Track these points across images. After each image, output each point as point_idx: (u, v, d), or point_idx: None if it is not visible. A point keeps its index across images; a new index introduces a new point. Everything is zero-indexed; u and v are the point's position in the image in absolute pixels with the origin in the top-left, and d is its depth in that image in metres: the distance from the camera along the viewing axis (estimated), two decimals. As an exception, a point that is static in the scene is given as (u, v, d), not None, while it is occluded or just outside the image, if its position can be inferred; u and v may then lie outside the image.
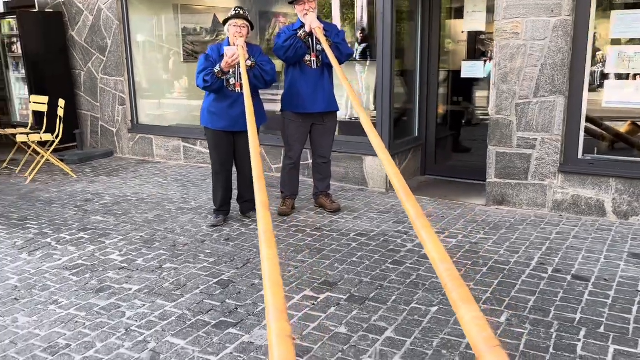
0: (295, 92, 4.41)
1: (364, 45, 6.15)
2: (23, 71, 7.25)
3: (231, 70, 4.10)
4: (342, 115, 5.92)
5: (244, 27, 4.14)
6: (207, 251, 3.88)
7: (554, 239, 3.97)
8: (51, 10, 7.38)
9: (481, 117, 5.88)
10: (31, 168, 6.19)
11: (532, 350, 2.54)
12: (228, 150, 4.33)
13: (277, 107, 4.70)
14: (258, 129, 4.38)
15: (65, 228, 4.44)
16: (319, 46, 4.30)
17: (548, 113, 4.46)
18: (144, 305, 3.08)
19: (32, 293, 3.27)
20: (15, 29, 7.17)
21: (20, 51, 7.16)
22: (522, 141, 4.59)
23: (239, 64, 3.99)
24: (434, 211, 4.69)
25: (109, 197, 5.35)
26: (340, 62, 4.23)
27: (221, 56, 4.07)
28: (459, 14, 5.75)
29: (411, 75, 5.82)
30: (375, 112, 5.40)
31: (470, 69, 5.51)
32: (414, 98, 5.82)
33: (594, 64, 4.49)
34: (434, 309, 2.96)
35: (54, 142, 6.19)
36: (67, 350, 2.64)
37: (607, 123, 4.81)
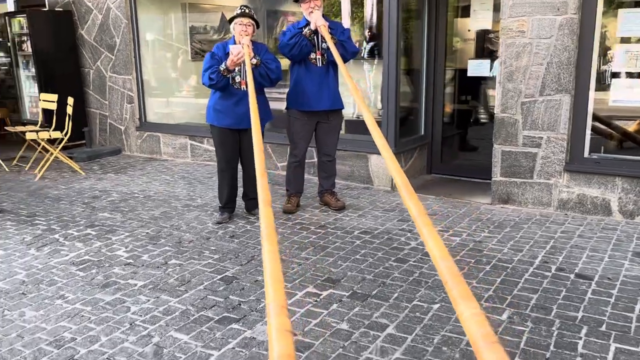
0: (300, 90, 4.43)
1: (371, 43, 6.15)
2: (33, 69, 7.33)
3: (237, 68, 4.13)
4: (349, 113, 5.94)
5: (249, 25, 4.16)
6: (212, 248, 3.91)
7: (559, 238, 3.96)
8: (61, 9, 7.46)
9: (488, 115, 5.87)
10: (40, 165, 6.26)
11: (533, 348, 2.55)
12: (233, 147, 4.36)
13: (283, 105, 4.72)
14: (263, 127, 4.41)
15: (72, 224, 4.49)
16: (324, 44, 4.32)
17: (554, 112, 4.44)
18: (149, 300, 3.12)
19: (40, 288, 3.32)
20: (25, 28, 7.25)
21: (30, 49, 7.24)
22: (528, 140, 4.58)
23: (244, 62, 4.01)
24: (439, 209, 4.69)
25: (116, 194, 5.40)
26: (346, 60, 4.25)
27: (227, 54, 4.10)
28: (465, 12, 5.75)
29: (417, 74, 5.82)
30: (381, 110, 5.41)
31: (477, 68, 5.50)
32: (420, 96, 5.82)
33: (600, 62, 4.47)
34: (436, 306, 2.97)
35: (63, 139, 6.26)
36: (72, 343, 2.68)
37: (615, 122, 4.78)
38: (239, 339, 2.69)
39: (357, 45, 6.25)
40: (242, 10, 4.18)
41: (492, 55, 5.51)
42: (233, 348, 2.61)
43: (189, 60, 7.49)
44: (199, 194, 5.34)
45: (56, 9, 7.48)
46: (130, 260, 3.71)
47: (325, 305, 3.01)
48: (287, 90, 4.66)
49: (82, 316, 2.95)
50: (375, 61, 6.15)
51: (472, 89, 5.95)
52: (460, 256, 3.65)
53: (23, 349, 2.64)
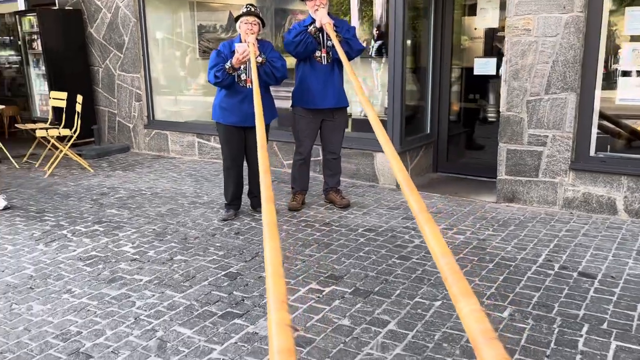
0: (305, 87, 4.46)
1: (379, 42, 6.15)
2: (43, 67, 7.42)
3: (242, 66, 4.16)
4: (356, 112, 5.96)
5: (255, 24, 4.19)
6: (217, 244, 3.95)
7: (563, 237, 3.96)
8: (70, 8, 7.53)
9: (494, 114, 5.86)
10: (50, 162, 6.34)
11: (533, 345, 2.56)
12: (239, 145, 4.40)
13: (289, 103, 4.75)
14: (268, 125, 4.45)
15: (80, 220, 4.55)
16: (329, 42, 4.34)
17: (559, 110, 4.43)
18: (154, 295, 3.16)
19: (47, 282, 3.37)
20: (35, 26, 7.33)
21: (40, 48, 7.32)
22: (533, 138, 4.58)
23: (249, 60, 4.04)
24: (443, 208, 4.70)
25: (124, 191, 5.46)
26: (351, 58, 4.27)
27: (232, 52, 4.13)
28: (472, 10, 5.74)
29: (424, 72, 5.82)
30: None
31: (483, 66, 5.50)
32: (426, 95, 5.83)
33: (611, 61, 4.46)
34: (438, 303, 2.99)
35: (72, 137, 6.33)
36: (78, 337, 2.72)
37: (624, 120, 4.76)
38: (241, 334, 2.72)
39: (363, 43, 6.28)
40: (248, 9, 4.21)
41: (499, 53, 5.50)
42: (235, 343, 2.64)
43: (197, 58, 7.54)
44: (205, 191, 5.38)
45: (66, 8, 7.56)
46: (137, 256, 3.76)
47: (328, 301, 3.04)
48: (293, 88, 4.69)
49: (88, 310, 3.00)
50: (383, 60, 6.16)
51: (479, 88, 5.94)
52: (463, 254, 3.66)
53: (30, 342, 2.69)
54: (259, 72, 4.05)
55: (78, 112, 6.28)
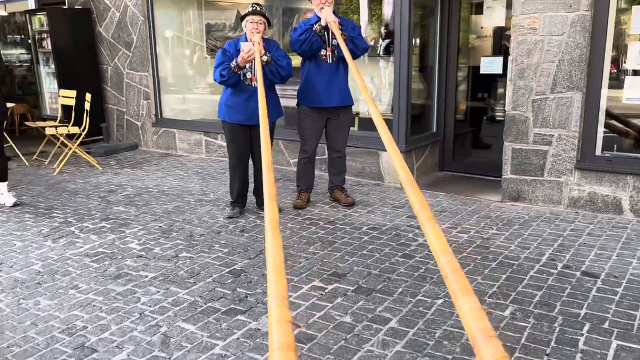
0: (310, 86, 4.48)
1: (387, 40, 6.15)
2: (53, 66, 7.50)
3: (247, 65, 4.19)
4: (364, 110, 5.96)
5: (260, 23, 4.22)
6: (222, 242, 3.98)
7: (567, 236, 3.96)
8: (80, 7, 7.60)
9: (501, 113, 5.84)
10: (59, 160, 6.41)
11: (533, 344, 2.57)
12: (245, 143, 4.43)
13: (295, 102, 4.77)
14: (274, 123, 4.47)
15: (88, 217, 4.61)
16: (334, 40, 4.36)
17: (565, 109, 4.42)
18: (159, 291, 3.20)
19: (54, 278, 3.42)
20: (45, 25, 7.41)
21: (50, 47, 7.40)
22: (539, 137, 4.57)
23: (255, 59, 4.07)
24: (448, 206, 4.71)
25: (131, 189, 5.52)
26: (356, 56, 4.28)
27: (238, 51, 4.16)
28: (479, 9, 5.73)
29: (430, 71, 5.82)
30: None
31: (489, 65, 5.49)
32: (433, 94, 5.83)
33: (616, 59, 4.44)
34: (439, 301, 3.00)
35: (80, 134, 6.40)
36: (83, 331, 2.77)
37: (633, 120, 4.73)
38: (244, 330, 2.75)
39: (369, 42, 6.28)
40: (254, 8, 4.24)
41: (507, 52, 5.49)
42: (238, 338, 2.68)
43: (204, 57, 7.58)
44: (211, 189, 5.43)
45: (75, 7, 7.63)
46: (142, 253, 3.81)
47: (330, 298, 3.06)
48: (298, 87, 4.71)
49: (94, 306, 3.04)
50: (391, 58, 6.15)
51: (486, 87, 5.93)
52: (467, 253, 3.67)
53: (36, 336, 2.74)
54: (264, 70, 4.08)
55: (87, 110, 6.34)
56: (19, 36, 8.89)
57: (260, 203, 4.67)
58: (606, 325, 2.72)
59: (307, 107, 4.55)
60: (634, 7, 4.28)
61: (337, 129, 4.62)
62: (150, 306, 3.03)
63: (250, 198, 4.72)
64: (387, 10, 6.25)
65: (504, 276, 3.31)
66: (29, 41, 7.88)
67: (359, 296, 3.09)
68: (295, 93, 4.71)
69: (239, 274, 3.43)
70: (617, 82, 4.49)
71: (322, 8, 4.29)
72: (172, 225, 4.36)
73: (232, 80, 4.17)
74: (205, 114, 7.48)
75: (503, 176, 4.80)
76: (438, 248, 1.63)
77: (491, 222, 4.28)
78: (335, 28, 4.14)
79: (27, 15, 7.72)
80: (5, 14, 9.48)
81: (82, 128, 6.33)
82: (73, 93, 6.76)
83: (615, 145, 4.60)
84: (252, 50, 4.03)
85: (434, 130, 5.88)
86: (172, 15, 7.50)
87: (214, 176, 5.97)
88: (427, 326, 2.75)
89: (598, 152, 4.46)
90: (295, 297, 3.08)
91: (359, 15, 6.25)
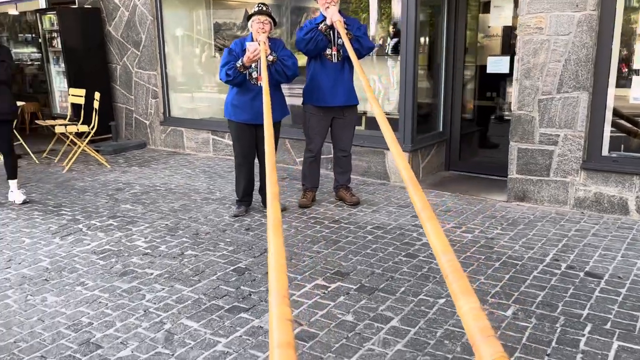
0: (316, 85, 4.50)
1: (395, 40, 6.15)
2: (63, 65, 7.57)
3: (253, 64, 4.22)
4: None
5: (266, 23, 4.24)
6: (227, 240, 4.02)
7: (572, 236, 3.95)
8: (89, 6, 7.67)
9: (508, 113, 5.83)
10: (68, 158, 6.48)
11: (534, 344, 2.57)
12: (250, 142, 4.46)
13: (301, 101, 4.79)
14: (279, 122, 4.50)
15: (96, 215, 4.66)
16: (340, 40, 4.37)
17: (571, 109, 4.41)
18: (163, 289, 3.24)
19: (62, 275, 3.47)
20: (55, 24, 7.49)
21: (60, 46, 7.48)
22: (545, 137, 4.56)
23: (260, 58, 4.09)
24: (453, 206, 4.71)
25: (139, 187, 5.57)
26: (361, 56, 4.29)
27: (244, 50, 4.19)
28: (486, 8, 5.72)
29: (437, 70, 5.82)
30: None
31: (496, 65, 5.47)
32: (439, 93, 5.82)
33: (625, 58, 4.41)
34: (442, 300, 3.01)
35: (89, 133, 6.47)
36: (89, 328, 2.81)
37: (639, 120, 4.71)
38: (246, 328, 2.78)
39: (377, 41, 6.29)
40: (260, 8, 4.26)
41: (514, 52, 5.47)
42: (240, 336, 2.71)
43: (212, 56, 7.62)
44: (218, 188, 5.46)
45: (85, 6, 7.70)
46: (148, 251, 3.85)
47: (333, 297, 3.08)
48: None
49: (100, 302, 3.09)
50: (399, 57, 6.16)
51: (493, 86, 5.92)
52: (470, 252, 3.68)
53: (43, 331, 2.78)
54: (270, 70, 4.10)
55: (96, 109, 6.41)
56: (29, 35, 9.00)
57: (265, 202, 4.70)
58: (608, 326, 2.72)
59: (313, 106, 4.57)
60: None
61: (342, 128, 4.64)
62: (154, 303, 3.06)
63: (256, 197, 4.75)
64: (396, 9, 6.25)
65: (507, 276, 3.31)
66: (40, 40, 7.96)
67: (361, 295, 3.10)
68: (301, 91, 4.73)
69: (243, 272, 3.46)
70: (624, 81, 4.47)
71: (328, 7, 4.31)
72: (178, 223, 4.40)
73: (238, 79, 4.20)
74: (212, 113, 7.53)
75: (509, 176, 4.79)
76: (439, 247, 1.64)
77: (496, 222, 4.28)
78: (340, 27, 4.15)
79: (37, 14, 7.81)
80: (16, 13, 9.59)
81: (91, 126, 6.40)
82: (82, 92, 6.83)
83: (622, 146, 4.58)
84: (257, 50, 4.05)
85: (441, 129, 5.87)
86: (180, 15, 7.55)
87: (220, 175, 6.01)
88: (428, 325, 2.76)
89: (604, 152, 4.45)
90: (298, 295, 3.11)
91: (368, 14, 6.25)
